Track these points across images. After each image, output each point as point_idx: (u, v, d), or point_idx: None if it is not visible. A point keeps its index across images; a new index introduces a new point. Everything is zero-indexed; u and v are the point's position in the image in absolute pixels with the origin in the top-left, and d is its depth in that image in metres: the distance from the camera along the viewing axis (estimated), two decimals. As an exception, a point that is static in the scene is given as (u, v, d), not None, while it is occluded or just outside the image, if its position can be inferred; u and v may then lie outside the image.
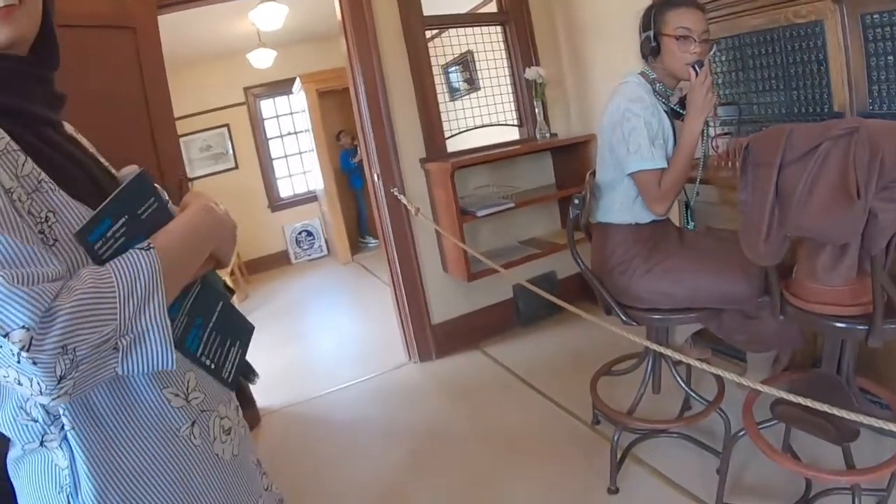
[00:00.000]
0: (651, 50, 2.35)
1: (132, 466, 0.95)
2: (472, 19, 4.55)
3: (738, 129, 3.09)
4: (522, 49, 4.45)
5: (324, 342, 5.30)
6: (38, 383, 0.74)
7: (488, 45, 4.49)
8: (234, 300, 0.87)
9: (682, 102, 2.41)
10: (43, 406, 0.89)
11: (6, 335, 0.73)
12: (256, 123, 8.75)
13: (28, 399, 0.85)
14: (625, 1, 2.47)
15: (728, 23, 3.04)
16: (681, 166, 2.29)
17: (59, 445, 0.90)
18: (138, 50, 3.24)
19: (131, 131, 3.16)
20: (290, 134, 9.13)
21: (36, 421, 0.90)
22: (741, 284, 2.21)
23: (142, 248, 0.88)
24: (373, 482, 3.00)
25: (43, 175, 0.88)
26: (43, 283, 0.77)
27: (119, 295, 0.82)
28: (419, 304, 4.23)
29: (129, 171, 1.05)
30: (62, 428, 0.90)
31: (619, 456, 2.66)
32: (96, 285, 0.81)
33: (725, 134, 3.11)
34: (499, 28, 4.50)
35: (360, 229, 9.12)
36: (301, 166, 9.21)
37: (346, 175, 8.80)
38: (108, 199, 0.90)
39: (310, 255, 9.02)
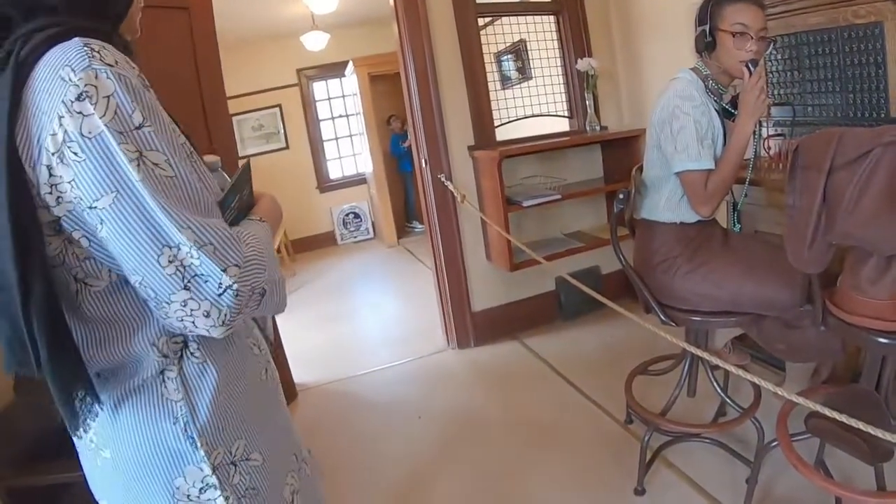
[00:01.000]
0: (706, 45, 2.29)
1: (238, 399, 1.08)
2: (525, 8, 4.50)
3: (792, 130, 3.01)
4: (575, 40, 4.40)
5: (365, 323, 5.36)
6: (226, 315, 0.88)
7: (541, 35, 4.45)
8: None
9: (734, 102, 2.35)
10: (175, 343, 1.00)
11: (224, 269, 0.87)
12: (308, 105, 8.84)
13: (188, 331, 0.92)
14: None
15: (785, 20, 2.96)
16: (729, 169, 2.24)
17: (177, 377, 0.99)
18: (192, 30, 3.29)
19: (184, 110, 3.18)
20: (341, 116, 9.21)
21: (166, 356, 0.99)
22: (784, 291, 2.16)
23: (256, 220, 1.08)
24: (404, 460, 3.05)
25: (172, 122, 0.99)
26: (231, 229, 0.93)
27: (267, 250, 1.00)
28: (460, 291, 4.24)
29: (213, 160, 1.19)
30: (180, 364, 1.00)
31: (648, 457, 2.65)
32: (259, 239, 0.99)
33: (778, 135, 3.04)
34: (552, 18, 4.46)
35: (406, 214, 9.18)
36: (351, 149, 9.29)
37: (396, 159, 8.85)
38: (233, 181, 1.07)
39: (356, 237, 9.10)
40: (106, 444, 1.01)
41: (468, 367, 4.06)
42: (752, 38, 2.20)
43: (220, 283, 0.86)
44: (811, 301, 2.06)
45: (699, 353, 2.07)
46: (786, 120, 3.05)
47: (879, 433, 1.43)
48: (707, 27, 2.26)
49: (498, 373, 3.89)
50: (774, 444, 2.18)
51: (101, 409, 0.98)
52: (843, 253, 1.93)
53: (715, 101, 2.34)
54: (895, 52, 2.53)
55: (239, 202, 1.08)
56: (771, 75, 3.12)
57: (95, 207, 0.84)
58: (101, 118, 0.82)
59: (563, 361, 3.86)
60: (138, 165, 0.83)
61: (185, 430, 0.99)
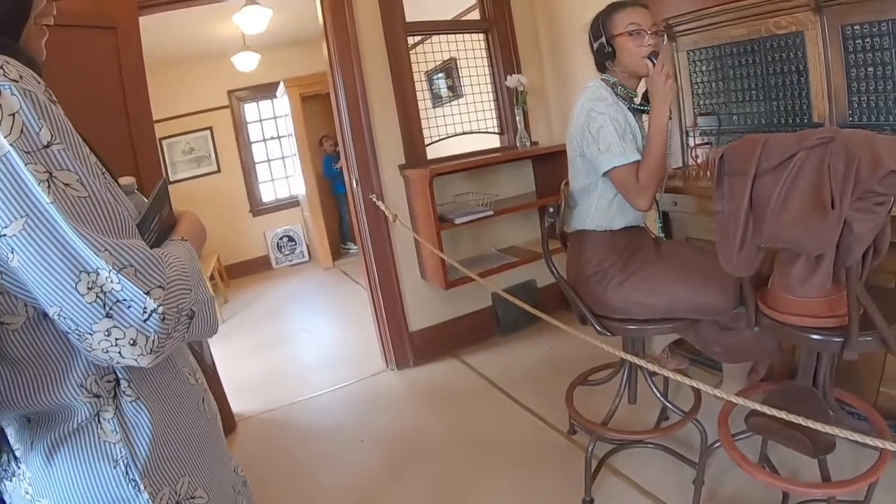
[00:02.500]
0: (607, 55, 2.40)
1: (177, 434, 1.04)
2: (454, 26, 4.55)
3: (718, 139, 3.10)
4: (504, 57, 4.46)
5: (302, 348, 5.26)
6: (154, 341, 0.84)
7: (471, 53, 4.50)
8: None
9: (646, 97, 2.44)
10: (108, 381, 0.95)
11: (148, 292, 0.82)
12: (240, 127, 8.71)
13: (115, 363, 0.87)
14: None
15: (709, 33, 3.06)
16: (655, 158, 2.30)
17: (113, 417, 0.95)
18: (118, 50, 3.20)
19: (108, 132, 3.12)
20: (273, 138, 9.09)
21: (98, 396, 0.94)
22: (717, 296, 2.20)
23: (178, 240, 1.05)
24: (348, 489, 2.99)
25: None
26: (152, 250, 0.89)
27: (192, 269, 0.97)
28: (397, 312, 4.21)
29: (129, 182, 1.13)
30: (115, 403, 0.95)
31: (594, 466, 2.66)
32: (182, 259, 0.95)
33: (705, 144, 3.12)
34: (482, 36, 4.51)
35: (341, 235, 9.09)
36: (283, 171, 9.18)
37: (329, 180, 8.77)
38: (150, 200, 1.03)
39: (291, 260, 8.98)
40: (43, 495, 0.95)
41: (409, 387, 4.03)
42: (647, 33, 2.33)
43: (145, 308, 0.82)
44: (744, 303, 2.11)
45: (636, 361, 2.09)
46: (712, 129, 3.14)
47: (819, 426, 1.46)
48: (603, 39, 2.38)
49: (439, 391, 3.87)
50: (717, 444, 2.22)
51: (20, 464, 0.94)
52: (773, 255, 1.98)
53: (625, 103, 2.42)
54: (816, 60, 2.64)
55: (159, 223, 1.04)
56: (696, 86, 3.20)
57: (4, 235, 0.78)
58: (5, 137, 0.77)
59: (503, 376, 3.86)
60: (48, 187, 0.79)
61: (127, 473, 0.94)
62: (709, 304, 2.24)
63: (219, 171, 8.50)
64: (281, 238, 8.93)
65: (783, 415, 1.53)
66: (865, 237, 1.65)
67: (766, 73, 2.87)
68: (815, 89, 2.69)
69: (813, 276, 1.81)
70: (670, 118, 2.36)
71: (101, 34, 3.11)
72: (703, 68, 3.16)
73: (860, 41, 2.47)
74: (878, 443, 1.40)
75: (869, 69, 2.47)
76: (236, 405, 3.89)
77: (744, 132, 2.95)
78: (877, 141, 1.61)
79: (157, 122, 3.50)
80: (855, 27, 2.47)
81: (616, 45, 2.37)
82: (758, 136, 1.83)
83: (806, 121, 2.75)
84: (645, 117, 2.43)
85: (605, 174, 2.34)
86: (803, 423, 1.49)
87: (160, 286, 0.84)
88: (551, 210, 2.47)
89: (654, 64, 2.30)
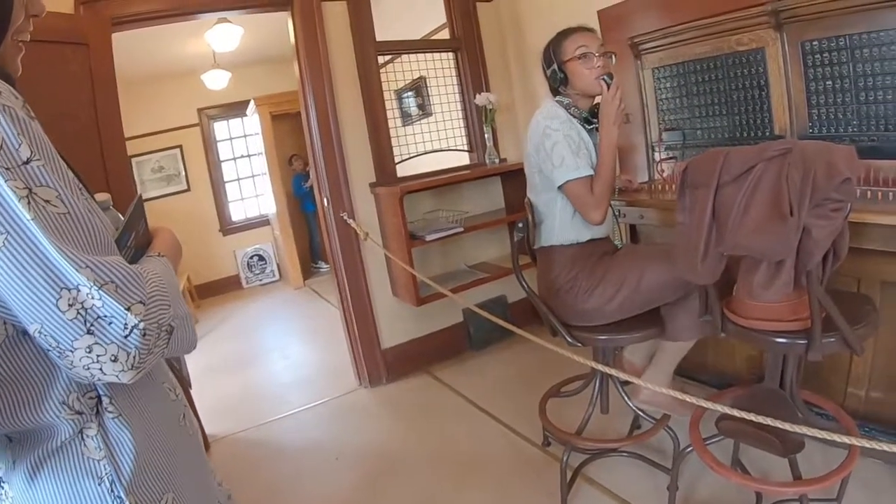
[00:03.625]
0: (560, 80, 2.52)
1: (160, 450, 1.03)
2: (424, 45, 4.60)
3: (683, 153, 3.18)
4: (473, 75, 4.51)
5: (274, 367, 5.22)
6: (135, 357, 0.83)
7: (440, 72, 4.54)
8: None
9: (593, 112, 2.53)
10: (90, 398, 0.94)
11: (129, 308, 0.82)
12: (209, 145, 8.64)
13: (96, 379, 0.86)
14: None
15: (673, 50, 3.14)
16: (607, 173, 2.39)
17: (96, 434, 0.94)
18: (91, 67, 3.19)
19: (80, 149, 3.10)
20: (242, 157, 9.04)
21: (80, 413, 0.93)
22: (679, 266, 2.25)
23: (155, 256, 1.05)
24: (323, 505, 2.97)
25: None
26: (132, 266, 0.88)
27: (171, 284, 0.96)
28: (369, 329, 4.21)
29: (104, 198, 1.12)
30: (98, 420, 0.95)
31: (569, 476, 2.69)
32: (160, 275, 0.95)
33: (670, 158, 3.19)
34: (451, 55, 4.56)
35: (312, 254, 9.06)
36: (254, 190, 9.12)
37: (299, 199, 8.74)
38: (127, 217, 1.02)
39: (261, 279, 8.92)
40: None
41: (382, 404, 4.03)
42: (595, 55, 2.43)
43: (126, 324, 0.81)
44: (710, 311, 2.16)
45: (607, 370, 2.13)
46: (676, 144, 3.22)
47: (788, 427, 1.50)
48: (555, 66, 2.50)
49: (413, 408, 3.87)
50: (690, 449, 2.26)
51: (2, 484, 0.93)
52: (737, 263, 2.04)
53: (581, 122, 2.51)
54: (777, 75, 2.74)
55: (135, 239, 1.04)
56: (661, 102, 3.28)
57: None
58: None
59: (476, 391, 3.88)
60: (28, 203, 0.78)
61: (112, 490, 0.93)
62: (674, 279, 2.30)
63: (188, 189, 8.43)
64: (251, 257, 8.87)
65: (752, 417, 1.57)
66: (824, 242, 1.72)
67: (729, 89, 2.96)
68: (776, 103, 2.78)
69: (775, 282, 1.87)
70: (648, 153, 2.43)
71: (73, 50, 3.10)
72: (668, 85, 3.24)
73: (819, 56, 2.57)
74: (846, 439, 1.44)
75: (828, 83, 2.57)
76: (209, 426, 3.85)
77: (707, 146, 3.04)
78: (832, 150, 1.69)
79: (127, 139, 3.47)
80: (814, 43, 2.57)
81: (567, 69, 2.48)
82: (719, 150, 1.91)
83: (768, 134, 2.85)
84: (596, 134, 2.52)
85: (559, 188, 2.41)
86: (772, 425, 1.54)
87: (141, 302, 0.84)
88: (520, 225, 2.54)
89: (608, 85, 2.39)
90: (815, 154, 1.70)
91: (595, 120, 2.51)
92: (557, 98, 2.56)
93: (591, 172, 2.39)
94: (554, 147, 2.37)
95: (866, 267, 2.39)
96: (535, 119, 2.50)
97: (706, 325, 2.39)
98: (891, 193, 2.23)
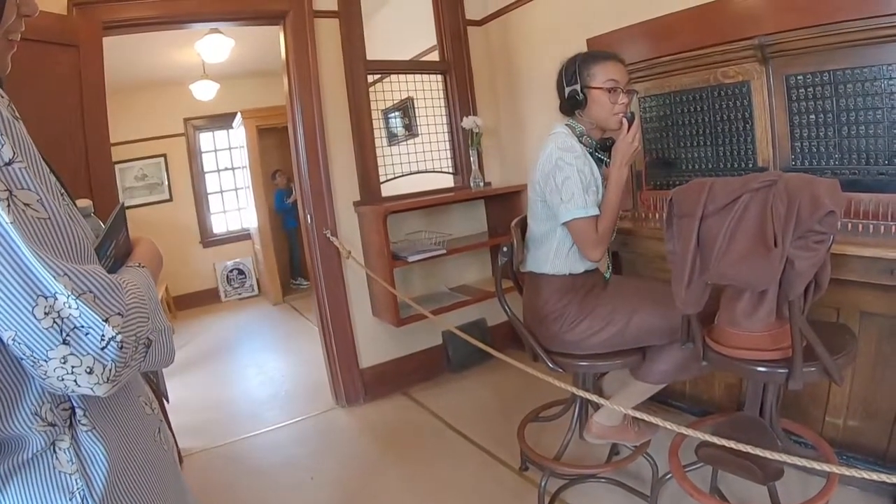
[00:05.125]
0: (577, 103, 2.44)
1: (134, 465, 1.00)
2: (413, 66, 4.63)
3: (667, 182, 3.20)
4: (461, 98, 4.54)
5: (250, 383, 5.16)
6: (111, 370, 0.81)
7: (428, 93, 4.56)
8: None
9: (603, 146, 2.51)
10: (63, 409, 0.92)
11: (106, 319, 0.80)
12: (194, 156, 8.61)
13: (70, 391, 0.83)
14: (562, 55, 2.55)
15: (660, 81, 3.18)
16: (613, 213, 2.38)
17: (69, 447, 0.91)
18: (80, 69, 3.17)
19: (65, 152, 3.07)
20: (226, 169, 9.02)
21: (53, 425, 0.90)
22: (669, 315, 2.27)
23: (136, 266, 1.03)
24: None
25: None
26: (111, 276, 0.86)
27: (150, 297, 0.94)
28: (348, 348, 4.19)
29: (86, 204, 1.09)
30: (71, 432, 0.92)
31: (546, 502, 2.68)
32: (139, 286, 0.93)
33: (654, 187, 3.21)
34: (440, 77, 4.58)
35: (292, 270, 9.02)
36: (236, 203, 9.10)
37: (281, 215, 8.72)
38: (107, 225, 1.01)
39: (240, 293, 8.86)
40: None
41: (359, 424, 3.99)
42: (622, 91, 2.39)
43: (103, 335, 0.79)
44: (692, 339, 2.17)
45: (587, 396, 2.13)
46: (661, 173, 3.23)
47: (768, 454, 1.50)
48: (578, 87, 2.40)
49: (390, 429, 3.84)
50: (669, 476, 2.27)
51: None
52: (720, 292, 2.05)
53: (590, 152, 2.47)
54: (761, 108, 2.79)
55: (115, 248, 1.02)
56: (647, 132, 3.31)
57: None
58: None
59: (454, 414, 3.86)
60: (8, 206, 0.76)
61: None
62: (661, 325, 2.32)
63: (171, 199, 8.39)
64: (231, 271, 8.82)
65: (732, 444, 1.57)
66: (807, 273, 1.74)
67: (714, 120, 3.00)
68: (760, 135, 2.83)
69: (757, 311, 1.90)
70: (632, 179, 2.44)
71: (63, 52, 3.08)
72: (654, 115, 3.28)
73: (803, 90, 2.62)
74: (826, 467, 1.45)
75: (811, 116, 2.62)
76: (182, 440, 3.79)
77: (692, 176, 3.06)
78: (816, 183, 1.71)
79: (112, 145, 3.45)
80: (798, 77, 2.62)
81: (590, 96, 2.41)
82: (705, 180, 1.94)
83: (751, 165, 2.89)
84: (603, 167, 2.51)
85: (563, 224, 2.39)
86: (752, 452, 1.54)
87: (119, 313, 0.82)
88: (505, 249, 2.52)
89: (629, 124, 2.37)
90: (799, 186, 1.72)
91: (605, 154, 2.49)
92: (570, 122, 2.51)
93: (598, 212, 2.37)
94: (565, 181, 2.34)
95: (846, 297, 2.43)
96: (548, 148, 2.43)
97: (678, 373, 2.43)
98: (871, 226, 2.30)
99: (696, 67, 3.01)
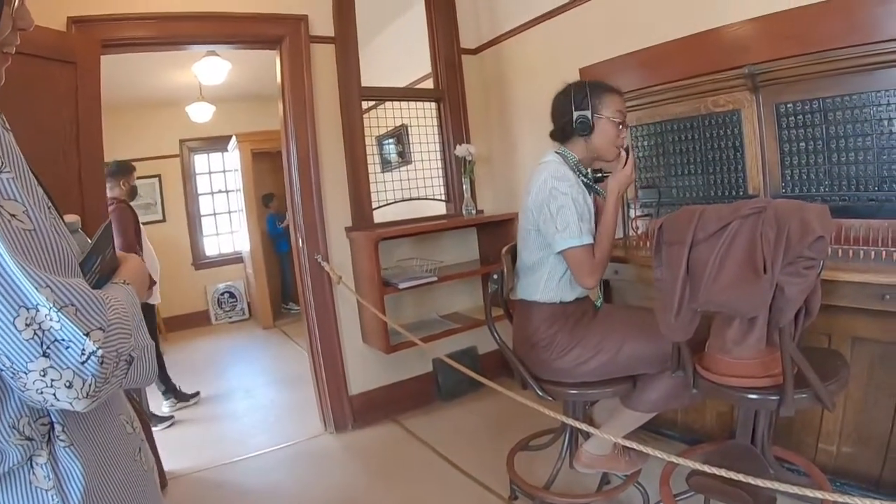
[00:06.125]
0: (583, 129, 2.44)
1: (112, 484, 0.99)
2: (408, 94, 4.66)
3: (658, 210, 3.22)
4: (454, 126, 4.57)
5: (239, 407, 5.12)
6: (90, 385, 0.81)
7: (422, 121, 4.59)
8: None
9: (596, 177, 2.55)
10: (42, 424, 0.90)
11: (87, 333, 0.79)
12: (188, 177, 8.63)
13: (49, 405, 0.83)
14: (555, 85, 2.57)
15: (651, 110, 3.22)
16: (609, 241, 2.42)
17: (46, 462, 0.90)
18: (77, 86, 3.17)
19: (59, 167, 3.07)
20: (220, 192, 9.02)
21: (31, 439, 0.88)
22: (659, 344, 2.27)
23: (120, 283, 1.02)
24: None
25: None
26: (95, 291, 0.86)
27: (133, 314, 0.94)
28: (337, 374, 4.16)
29: (73, 220, 1.10)
30: (49, 448, 0.91)
31: (536, 531, 2.64)
32: (123, 303, 0.93)
33: (645, 216, 3.23)
34: (434, 104, 4.61)
35: (283, 295, 9.01)
36: (229, 226, 9.09)
37: (273, 239, 8.72)
38: (93, 241, 1.00)
39: (231, 317, 8.83)
40: None
41: (347, 451, 3.95)
42: (624, 125, 2.46)
43: (83, 350, 0.79)
44: (682, 367, 2.16)
45: (577, 424, 2.12)
46: (652, 201, 3.26)
47: (759, 483, 1.49)
48: (588, 113, 2.41)
49: (378, 457, 3.80)
50: (660, 505, 2.24)
51: None
52: (710, 320, 2.05)
53: (584, 181, 2.48)
54: (752, 136, 2.82)
55: (101, 264, 1.01)
56: (639, 161, 3.35)
57: None
58: None
59: (443, 442, 3.82)
60: None
61: None
62: (651, 354, 2.32)
63: (164, 220, 8.40)
64: (222, 294, 8.79)
65: (724, 473, 1.56)
66: (797, 299, 1.74)
67: (705, 149, 3.03)
68: (750, 163, 2.86)
69: (747, 338, 1.90)
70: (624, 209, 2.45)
71: (61, 68, 3.08)
72: (645, 143, 3.30)
73: (793, 118, 2.65)
74: (818, 494, 1.44)
75: (801, 144, 2.65)
76: (168, 462, 3.75)
77: (682, 204, 3.07)
78: (806, 209, 1.72)
79: (107, 163, 3.45)
80: (788, 105, 2.66)
81: (597, 125, 2.44)
82: (694, 207, 1.95)
83: (742, 193, 2.91)
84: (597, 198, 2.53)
85: (559, 253, 2.39)
86: (744, 480, 1.53)
87: (100, 328, 0.82)
88: (495, 277, 2.52)
89: (627, 156, 2.44)
90: (788, 212, 1.73)
91: (597, 185, 2.52)
92: (561, 151, 2.53)
93: (592, 241, 2.38)
94: (560, 210, 2.34)
95: (837, 323, 2.43)
96: (542, 176, 2.43)
97: (668, 402, 2.42)
98: (861, 251, 2.31)
99: (687, 96, 3.04)
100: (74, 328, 0.79)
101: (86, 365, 0.80)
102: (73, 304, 0.80)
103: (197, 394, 5.24)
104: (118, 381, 0.87)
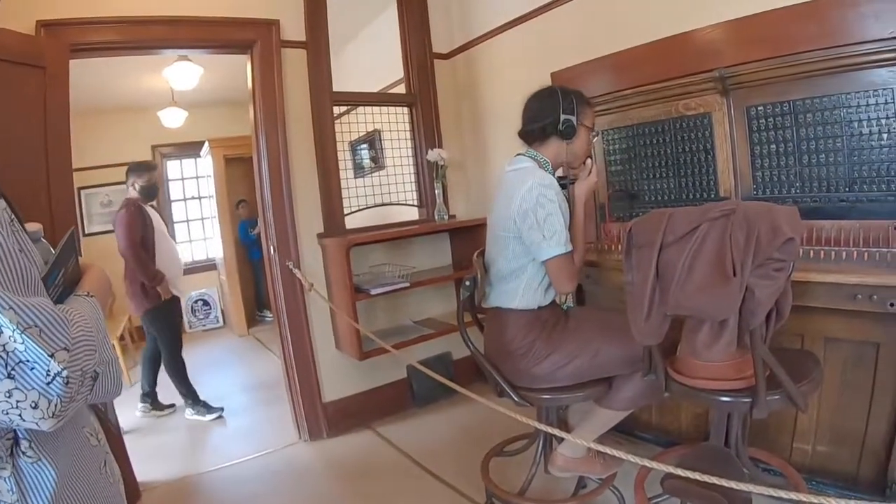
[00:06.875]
0: (567, 133, 2.45)
1: (77, 497, 0.98)
2: (380, 98, 4.64)
3: (630, 214, 3.23)
4: (427, 131, 4.55)
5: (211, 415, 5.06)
6: (56, 405, 0.80)
7: (395, 126, 4.58)
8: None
9: (562, 183, 2.54)
10: (7, 439, 0.90)
11: (52, 354, 0.79)
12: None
13: (15, 425, 0.83)
14: (526, 89, 2.56)
15: (623, 114, 3.23)
16: (584, 244, 2.49)
17: (10, 476, 0.89)
18: (46, 91, 3.11)
19: (26, 174, 3.02)
20: (193, 198, 8.93)
21: None
22: (634, 346, 2.25)
23: (84, 296, 1.02)
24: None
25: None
26: (57, 307, 0.85)
27: (97, 328, 0.93)
28: (311, 382, 4.12)
29: (35, 228, 1.09)
30: (13, 461, 0.90)
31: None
32: (87, 318, 0.92)
33: (617, 219, 3.23)
34: (406, 109, 4.60)
35: (257, 302, 8.93)
36: (202, 232, 9.01)
37: (245, 246, 8.64)
38: (56, 253, 1.00)
39: (205, 325, 8.74)
40: None
41: (322, 459, 3.91)
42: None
43: (48, 371, 0.78)
44: (654, 370, 2.16)
45: (549, 430, 2.10)
46: (624, 205, 3.26)
47: (734, 485, 1.48)
48: (574, 118, 2.44)
49: (353, 464, 3.77)
50: (635, 509, 2.23)
51: None
52: (682, 322, 2.05)
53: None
54: (723, 139, 2.84)
55: (64, 276, 1.01)
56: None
57: None
58: None
59: (418, 449, 3.80)
60: None
61: None
62: (628, 355, 2.32)
63: (136, 227, 8.24)
64: (196, 301, 8.70)
65: (697, 475, 1.55)
66: (767, 301, 1.74)
67: (676, 152, 3.04)
68: (721, 166, 2.88)
69: (718, 341, 1.90)
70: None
71: (29, 72, 3.03)
72: (617, 147, 3.32)
73: (763, 121, 2.68)
74: (793, 495, 1.43)
75: (772, 146, 2.68)
76: (142, 473, 3.69)
77: (654, 207, 3.08)
78: (775, 211, 1.72)
79: (77, 170, 3.40)
80: (758, 108, 2.68)
81: (578, 132, 2.47)
82: (664, 210, 1.94)
83: (713, 196, 2.93)
84: None
85: (544, 261, 2.37)
86: (718, 483, 1.52)
87: (65, 348, 0.81)
88: (467, 283, 2.50)
89: (592, 164, 2.51)
90: (758, 214, 1.73)
91: (565, 189, 2.53)
92: (532, 154, 2.52)
93: (571, 248, 2.38)
94: (548, 218, 2.31)
95: (810, 324, 2.45)
96: (527, 183, 2.36)
97: (644, 399, 2.43)
98: (833, 252, 2.34)
99: (658, 100, 3.06)
100: (39, 349, 0.78)
101: (51, 385, 0.79)
102: (36, 325, 0.79)
103: (172, 405, 5.16)
104: (83, 398, 0.87)
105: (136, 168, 4.74)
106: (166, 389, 5.08)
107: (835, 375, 2.46)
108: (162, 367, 5.04)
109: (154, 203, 5.12)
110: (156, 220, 4.81)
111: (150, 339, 5.04)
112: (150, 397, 5.04)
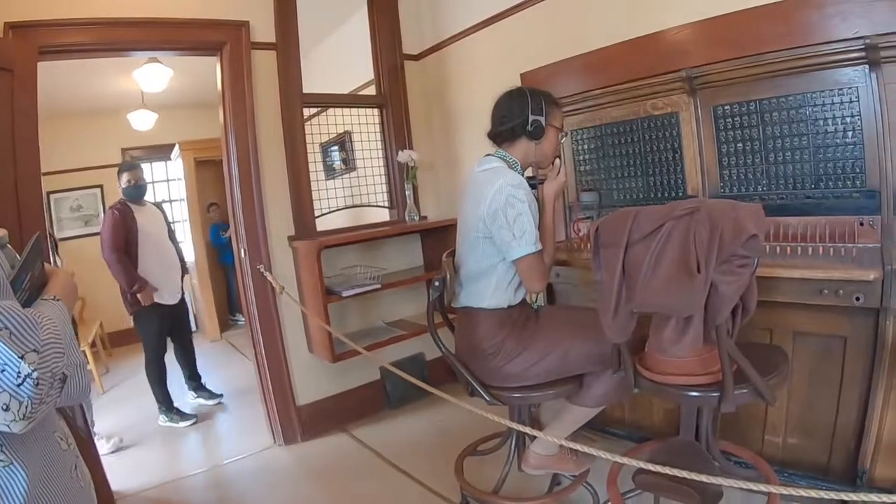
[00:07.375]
0: (536, 134, 2.47)
1: (50, 499, 0.99)
2: (350, 100, 4.64)
3: (599, 213, 3.26)
4: (397, 132, 4.56)
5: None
6: (27, 407, 0.82)
7: (366, 127, 4.57)
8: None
9: (531, 183, 2.54)
10: None
11: (22, 356, 0.80)
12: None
13: None
14: (496, 90, 2.57)
15: (592, 113, 3.26)
16: (553, 243, 2.49)
17: None
18: (13, 94, 3.06)
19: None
20: (164, 202, 8.80)
21: None
22: (604, 344, 2.27)
23: (51, 300, 1.03)
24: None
25: None
26: (25, 311, 0.86)
27: (65, 331, 0.94)
28: (284, 385, 4.10)
29: (2, 234, 1.11)
30: None
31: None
32: (54, 321, 0.92)
33: (586, 218, 3.26)
34: (376, 111, 4.59)
35: (230, 306, 8.85)
36: (173, 236, 8.87)
37: (217, 250, 8.54)
38: (23, 258, 1.02)
39: (177, 330, 8.61)
40: None
41: (297, 462, 3.89)
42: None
43: (19, 372, 0.79)
44: (623, 367, 2.18)
45: (521, 428, 2.12)
46: (593, 204, 3.30)
47: (705, 478, 1.50)
48: (543, 119, 2.45)
49: (328, 467, 3.76)
50: (608, 504, 2.25)
51: None
52: (649, 319, 2.07)
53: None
54: (690, 138, 2.88)
55: (31, 280, 1.02)
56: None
57: None
58: None
59: (393, 450, 3.80)
60: None
61: None
62: (598, 352, 2.34)
63: (107, 231, 8.14)
64: (168, 306, 8.57)
65: (668, 470, 1.56)
66: (731, 297, 1.77)
67: (644, 151, 3.08)
68: (689, 165, 2.92)
69: (683, 337, 1.92)
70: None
71: (-4, 74, 2.97)
72: (586, 146, 3.34)
73: (730, 119, 2.72)
74: (763, 487, 1.45)
75: (738, 145, 2.72)
76: (115, 482, 3.63)
77: (623, 206, 3.10)
78: (739, 208, 1.75)
79: (46, 174, 3.36)
80: (725, 107, 2.72)
81: (547, 131, 2.49)
82: (630, 209, 1.97)
83: (681, 194, 2.96)
84: None
85: (514, 260, 2.38)
86: (689, 477, 1.53)
87: (35, 350, 0.82)
88: (437, 283, 2.51)
89: (561, 165, 2.53)
90: (722, 212, 1.75)
91: (534, 189, 2.53)
92: (502, 155, 2.53)
93: (541, 247, 2.39)
94: (518, 217, 2.32)
95: (778, 318, 2.48)
96: (497, 184, 2.36)
97: (615, 395, 2.46)
98: (799, 248, 2.38)
99: (626, 100, 3.09)
100: (9, 352, 0.79)
101: (21, 387, 0.80)
102: (6, 328, 0.80)
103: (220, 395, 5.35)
104: (53, 399, 0.87)
105: (120, 168, 4.77)
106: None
107: (804, 369, 2.50)
108: (185, 356, 5.28)
109: (152, 202, 5.15)
110: (146, 221, 4.77)
111: None
112: (194, 381, 5.29)
